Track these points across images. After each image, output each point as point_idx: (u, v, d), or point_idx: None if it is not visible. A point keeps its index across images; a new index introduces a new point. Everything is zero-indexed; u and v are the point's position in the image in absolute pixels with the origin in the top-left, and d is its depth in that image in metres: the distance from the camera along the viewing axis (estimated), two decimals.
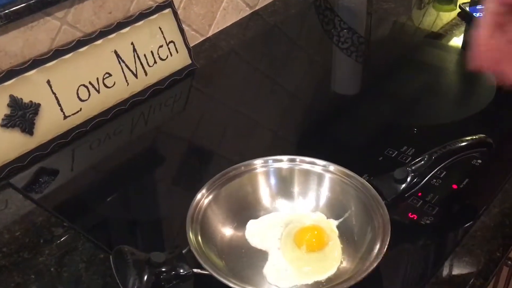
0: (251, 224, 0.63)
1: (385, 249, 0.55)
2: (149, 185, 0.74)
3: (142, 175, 0.75)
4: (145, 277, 0.53)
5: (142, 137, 0.82)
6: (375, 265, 0.54)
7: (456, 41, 1.01)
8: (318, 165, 0.65)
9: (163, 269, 0.54)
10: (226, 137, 0.81)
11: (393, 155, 0.73)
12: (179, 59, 0.90)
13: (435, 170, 0.63)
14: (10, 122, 0.72)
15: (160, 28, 0.87)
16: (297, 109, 0.89)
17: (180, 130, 0.83)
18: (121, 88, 0.83)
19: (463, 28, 1.03)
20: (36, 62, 0.75)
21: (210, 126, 0.83)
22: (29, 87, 0.74)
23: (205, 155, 0.79)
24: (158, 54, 0.87)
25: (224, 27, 1.03)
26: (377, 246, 0.56)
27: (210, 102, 0.89)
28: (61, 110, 0.77)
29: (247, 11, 1.07)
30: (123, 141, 0.81)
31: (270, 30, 1.06)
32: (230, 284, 0.53)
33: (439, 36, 1.02)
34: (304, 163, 0.65)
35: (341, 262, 0.59)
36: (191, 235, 0.57)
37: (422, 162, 0.62)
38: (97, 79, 0.80)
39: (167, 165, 0.77)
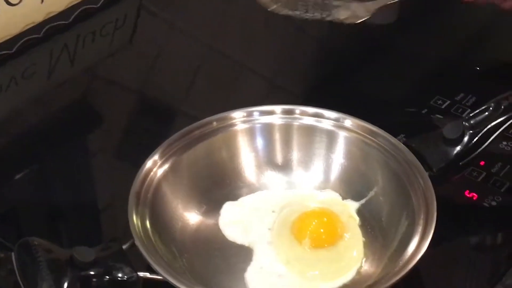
0: (228, 207, 0.64)
1: (427, 244, 0.55)
2: (77, 156, 0.75)
3: (67, 141, 0.75)
4: (65, 285, 0.52)
5: (67, 84, 0.82)
6: (410, 267, 0.54)
7: None
8: (327, 118, 0.65)
9: (93, 273, 0.54)
10: (196, 87, 0.82)
11: (443, 106, 0.74)
12: None
13: (505, 126, 0.62)
14: None
15: None
16: (303, 45, 0.89)
17: (126, 74, 0.83)
18: (33, 7, 0.82)
19: None
20: None
21: (171, 70, 0.83)
22: None
23: (163, 112, 0.80)
24: None
25: None
26: (415, 240, 0.56)
27: (170, 33, 0.90)
28: None
29: None
30: (37, 88, 0.82)
31: None
32: None
33: None
34: (307, 115, 0.65)
35: (363, 263, 0.59)
36: (135, 222, 0.57)
37: (486, 113, 0.62)
38: None
39: (105, 127, 0.78)
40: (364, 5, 0.75)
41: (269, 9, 0.72)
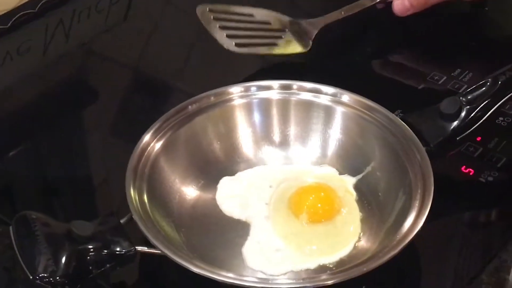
0: (225, 182, 0.64)
1: (424, 219, 0.55)
2: (72, 131, 0.74)
3: (63, 116, 0.75)
4: (63, 258, 0.52)
5: (62, 60, 0.82)
6: (407, 242, 0.54)
7: None
8: (325, 93, 0.65)
9: (91, 246, 0.54)
10: (191, 63, 0.82)
11: (440, 82, 0.74)
12: None
13: (502, 101, 0.63)
14: None
15: None
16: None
17: (121, 50, 0.83)
18: None
19: None
20: None
21: (166, 45, 0.83)
22: None
23: (158, 88, 0.80)
24: None
25: None
26: (412, 215, 0.56)
27: (165, 9, 0.89)
28: None
29: None
30: (32, 64, 0.81)
31: None
32: (193, 268, 0.53)
33: None
34: (304, 91, 0.65)
35: (360, 238, 0.59)
36: (133, 197, 0.57)
37: (483, 89, 0.62)
38: None
39: (100, 103, 0.77)
40: (305, 34, 0.79)
41: (225, 47, 0.75)
